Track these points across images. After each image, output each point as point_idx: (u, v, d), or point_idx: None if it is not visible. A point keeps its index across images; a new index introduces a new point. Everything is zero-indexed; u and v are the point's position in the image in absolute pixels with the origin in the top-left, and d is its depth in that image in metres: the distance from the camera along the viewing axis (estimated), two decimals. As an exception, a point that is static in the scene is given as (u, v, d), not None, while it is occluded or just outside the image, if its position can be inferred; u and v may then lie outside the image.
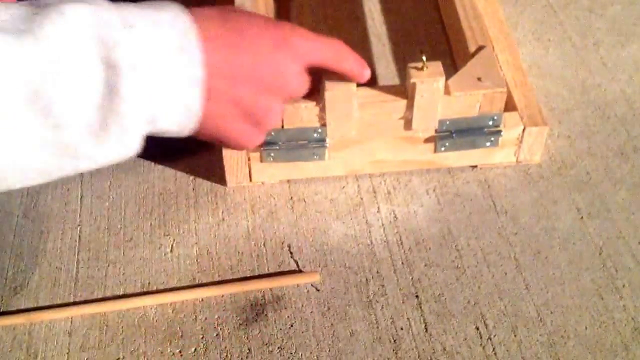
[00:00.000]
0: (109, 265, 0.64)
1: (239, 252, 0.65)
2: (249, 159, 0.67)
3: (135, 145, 0.50)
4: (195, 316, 0.61)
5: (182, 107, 0.51)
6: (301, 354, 0.58)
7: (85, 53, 0.46)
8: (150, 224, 0.67)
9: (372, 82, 0.77)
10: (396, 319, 0.60)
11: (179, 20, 0.50)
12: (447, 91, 0.63)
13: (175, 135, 0.54)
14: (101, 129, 0.48)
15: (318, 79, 0.61)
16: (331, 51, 0.59)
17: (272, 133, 0.64)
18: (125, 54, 0.47)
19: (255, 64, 0.54)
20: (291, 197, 0.69)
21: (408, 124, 0.65)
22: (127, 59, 0.47)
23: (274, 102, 0.56)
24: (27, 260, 0.65)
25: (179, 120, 0.52)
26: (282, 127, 0.64)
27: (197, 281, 0.63)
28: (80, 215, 0.68)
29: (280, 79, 0.56)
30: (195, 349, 0.59)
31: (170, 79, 0.50)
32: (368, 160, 0.68)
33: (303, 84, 0.58)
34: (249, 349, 0.59)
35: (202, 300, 0.62)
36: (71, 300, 0.62)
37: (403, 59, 0.80)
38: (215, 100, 0.52)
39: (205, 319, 0.61)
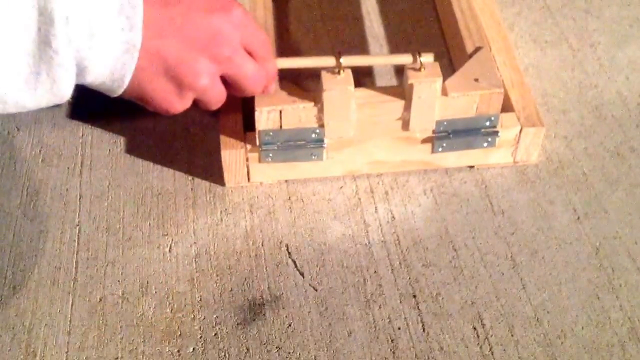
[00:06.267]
0: (107, 265, 0.64)
1: (237, 252, 0.65)
2: (247, 160, 0.67)
3: (65, 94, 0.51)
4: (194, 316, 0.61)
5: (113, 69, 0.51)
6: (299, 354, 0.59)
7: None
8: (149, 223, 0.67)
9: (370, 83, 0.78)
10: (394, 318, 0.61)
11: None
12: (444, 92, 0.64)
13: (105, 92, 0.54)
14: (32, 77, 0.48)
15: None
16: (260, 41, 0.59)
17: (271, 133, 0.64)
18: (60, 5, 0.47)
19: (186, 20, 0.54)
20: (289, 197, 0.69)
21: (406, 124, 0.65)
22: (62, 10, 0.47)
23: (201, 64, 0.55)
24: (26, 260, 0.65)
25: (108, 82, 0.52)
26: (281, 127, 0.64)
27: (195, 281, 0.63)
28: (79, 215, 0.68)
29: (213, 39, 0.55)
30: (193, 349, 0.59)
31: (103, 40, 0.50)
32: (366, 160, 0.69)
33: (235, 54, 0.57)
34: (247, 349, 0.59)
35: (201, 299, 0.62)
36: (70, 299, 0.62)
37: (401, 59, 0.80)
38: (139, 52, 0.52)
39: (204, 318, 0.61)
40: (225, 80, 0.59)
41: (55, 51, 0.47)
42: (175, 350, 0.59)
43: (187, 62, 0.54)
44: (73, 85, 0.50)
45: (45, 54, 0.47)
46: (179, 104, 0.57)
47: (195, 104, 0.60)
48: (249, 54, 0.58)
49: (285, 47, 0.82)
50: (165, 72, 0.54)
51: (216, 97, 0.59)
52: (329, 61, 0.62)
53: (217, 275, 0.64)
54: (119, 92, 0.54)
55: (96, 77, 0.52)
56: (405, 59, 0.63)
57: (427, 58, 0.63)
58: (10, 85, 0.48)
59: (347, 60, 0.62)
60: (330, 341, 0.59)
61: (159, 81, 0.55)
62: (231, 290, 0.63)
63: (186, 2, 0.54)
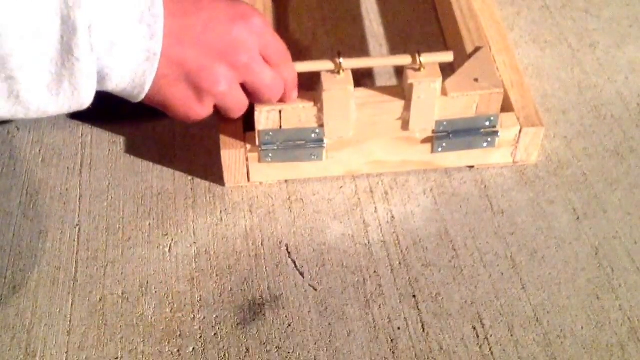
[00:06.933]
0: (107, 265, 0.64)
1: (237, 252, 0.65)
2: (247, 160, 0.67)
3: (86, 100, 0.52)
4: (194, 315, 0.61)
5: (133, 76, 0.52)
6: (299, 354, 0.59)
7: (46, 7, 0.47)
8: (149, 223, 0.67)
9: (369, 83, 0.78)
10: (393, 318, 0.61)
11: None
12: (444, 92, 0.64)
13: (126, 98, 0.55)
14: (54, 84, 0.49)
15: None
16: (277, 49, 0.59)
17: (271, 133, 0.65)
18: (84, 14, 0.48)
19: (206, 28, 0.55)
20: (289, 197, 0.69)
21: (405, 124, 0.65)
22: (85, 19, 0.48)
23: (220, 71, 0.56)
24: (26, 259, 0.65)
25: (129, 88, 0.53)
26: (280, 127, 0.64)
27: (195, 281, 0.63)
28: (79, 215, 0.68)
29: (231, 47, 0.56)
30: (193, 349, 0.59)
31: (125, 48, 0.51)
32: (365, 160, 0.69)
33: (252, 62, 0.57)
34: (247, 349, 0.59)
35: (201, 299, 0.62)
36: (70, 299, 0.62)
37: (400, 59, 0.80)
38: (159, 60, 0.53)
39: (204, 318, 0.61)
40: (245, 89, 0.60)
41: (77, 59, 0.48)
42: (175, 350, 0.59)
43: (206, 69, 0.55)
44: (94, 92, 0.51)
45: (68, 62, 0.48)
46: (199, 110, 0.58)
47: (219, 112, 0.61)
48: (267, 62, 0.59)
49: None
50: (185, 78, 0.55)
51: (236, 104, 0.60)
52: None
53: (217, 275, 0.64)
54: (140, 98, 0.55)
55: (117, 84, 0.53)
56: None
57: (447, 57, 0.63)
58: (33, 91, 0.49)
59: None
60: (330, 341, 0.59)
61: (179, 88, 0.56)
62: (231, 290, 0.63)
63: (207, 11, 0.55)
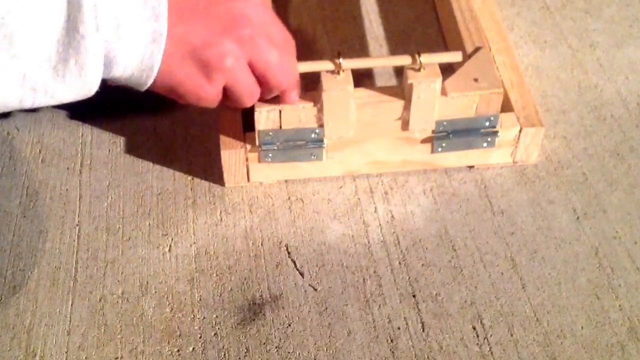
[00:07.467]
0: (107, 265, 0.64)
1: (237, 252, 0.65)
2: (247, 160, 0.67)
3: (93, 85, 0.52)
4: (194, 315, 0.61)
5: (141, 59, 0.53)
6: (299, 353, 0.59)
7: None
8: (149, 223, 0.67)
9: (369, 83, 0.78)
10: (393, 318, 0.61)
11: None
12: (444, 92, 0.64)
13: (134, 86, 0.55)
14: (60, 63, 0.49)
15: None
16: (279, 29, 0.59)
17: (271, 133, 0.65)
18: None
19: (209, 5, 0.55)
20: (289, 197, 0.69)
21: (405, 124, 0.65)
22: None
23: (226, 45, 0.56)
24: (26, 259, 0.65)
25: (137, 72, 0.53)
26: (280, 127, 0.64)
27: (195, 281, 0.63)
28: (79, 215, 0.68)
29: (235, 21, 0.56)
30: (193, 348, 0.59)
31: (130, 30, 0.51)
32: (365, 160, 0.69)
33: (257, 36, 0.57)
34: (246, 348, 0.59)
35: (200, 299, 0.62)
36: (70, 299, 0.62)
37: (400, 59, 0.80)
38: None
39: (204, 318, 0.61)
40: (254, 74, 0.60)
41: (82, 36, 0.49)
42: (175, 350, 0.59)
43: (211, 45, 0.56)
44: (101, 74, 0.51)
45: (74, 40, 0.49)
46: (209, 89, 0.58)
47: (229, 104, 0.61)
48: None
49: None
50: (191, 56, 0.55)
51: (246, 87, 0.59)
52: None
53: (216, 275, 0.64)
54: (149, 83, 0.55)
55: (125, 69, 0.53)
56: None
57: (454, 57, 0.63)
58: (40, 72, 0.49)
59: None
60: (330, 341, 0.59)
61: (186, 66, 0.56)
62: (231, 290, 0.63)
63: None
